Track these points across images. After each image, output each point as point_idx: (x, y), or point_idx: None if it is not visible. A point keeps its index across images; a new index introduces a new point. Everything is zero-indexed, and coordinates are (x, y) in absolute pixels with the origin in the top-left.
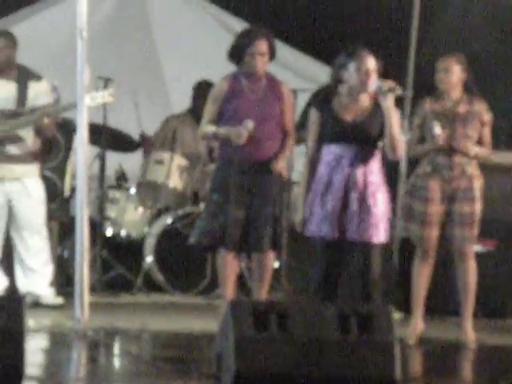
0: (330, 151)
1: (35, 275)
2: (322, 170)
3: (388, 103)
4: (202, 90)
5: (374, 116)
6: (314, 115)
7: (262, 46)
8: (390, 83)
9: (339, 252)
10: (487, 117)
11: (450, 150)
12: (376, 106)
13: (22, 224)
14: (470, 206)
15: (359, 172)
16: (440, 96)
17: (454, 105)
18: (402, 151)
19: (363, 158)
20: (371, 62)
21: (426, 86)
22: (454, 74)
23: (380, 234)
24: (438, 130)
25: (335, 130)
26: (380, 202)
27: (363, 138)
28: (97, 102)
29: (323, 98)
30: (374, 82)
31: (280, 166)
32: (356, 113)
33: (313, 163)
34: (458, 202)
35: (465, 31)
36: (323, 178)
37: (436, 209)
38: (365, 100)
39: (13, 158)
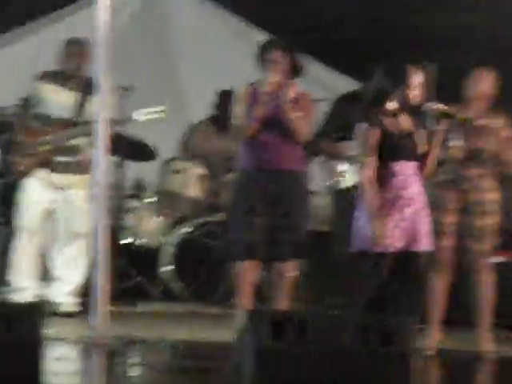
0: (388, 167)
1: (59, 284)
2: (381, 186)
3: (437, 127)
4: (224, 98)
5: (416, 126)
6: (367, 131)
7: (274, 54)
8: (443, 108)
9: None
10: (507, 131)
11: (467, 162)
12: (414, 116)
13: (59, 231)
14: (480, 219)
15: (410, 185)
16: (463, 105)
17: (476, 116)
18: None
19: (417, 171)
20: (419, 78)
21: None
22: (485, 85)
23: (428, 242)
24: (456, 142)
25: (393, 147)
26: (428, 211)
27: (413, 151)
28: (146, 118)
29: (375, 113)
30: (418, 97)
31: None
32: (405, 127)
33: (372, 180)
34: (469, 214)
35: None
36: (381, 195)
37: (452, 219)
38: (409, 115)
39: (63, 167)
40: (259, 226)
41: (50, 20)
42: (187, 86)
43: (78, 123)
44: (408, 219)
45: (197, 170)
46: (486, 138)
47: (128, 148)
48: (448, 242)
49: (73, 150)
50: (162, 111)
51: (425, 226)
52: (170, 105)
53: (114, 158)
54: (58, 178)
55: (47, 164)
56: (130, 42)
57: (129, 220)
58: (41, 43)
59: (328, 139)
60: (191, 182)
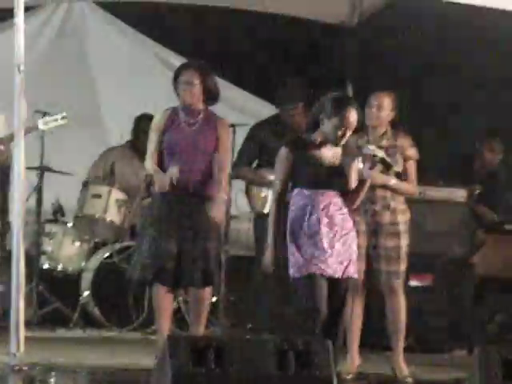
0: (305, 195)
1: None
2: (299, 213)
3: (374, 172)
4: (142, 123)
5: (345, 161)
6: (285, 155)
7: (188, 75)
8: (382, 154)
9: (324, 289)
10: (411, 152)
11: (372, 184)
12: (346, 151)
13: None
14: (394, 240)
15: (337, 213)
16: (364, 130)
17: (378, 139)
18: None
19: (339, 201)
20: (354, 120)
21: None
22: (385, 110)
23: (356, 269)
24: (370, 147)
25: (310, 176)
26: (355, 238)
27: (337, 183)
28: (50, 126)
29: (296, 139)
30: (347, 137)
31: (215, 212)
32: (330, 158)
33: (281, 204)
34: (383, 236)
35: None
36: (301, 221)
37: (362, 242)
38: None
39: None
40: (167, 251)
41: None
42: (106, 110)
43: None
44: (338, 246)
45: (116, 195)
46: (392, 158)
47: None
48: (361, 266)
49: None
50: (63, 117)
51: (353, 252)
52: (90, 129)
53: (33, 182)
54: None
55: None
56: (49, 66)
57: (48, 245)
58: None
59: (248, 165)
60: (111, 207)
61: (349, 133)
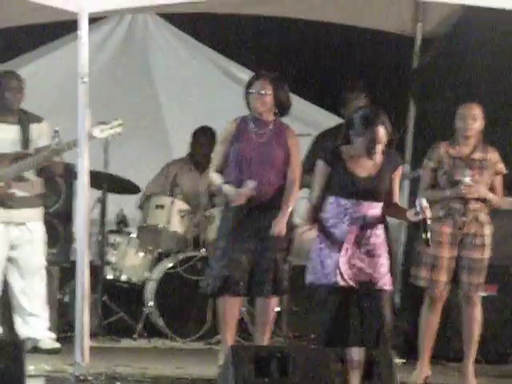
0: (340, 204)
1: (35, 320)
2: (329, 221)
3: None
4: (201, 135)
5: (384, 171)
6: (321, 167)
7: (261, 85)
8: (429, 214)
9: (349, 300)
10: (500, 166)
11: (464, 196)
12: (387, 160)
13: (23, 268)
14: (479, 252)
15: (369, 226)
16: (456, 141)
17: (471, 152)
18: None
19: (375, 212)
20: (382, 137)
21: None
22: (478, 120)
23: (388, 282)
24: (468, 180)
25: (346, 186)
26: (387, 253)
27: (374, 194)
28: (106, 134)
29: (332, 150)
30: (380, 151)
31: (279, 229)
32: (368, 168)
33: (316, 212)
34: (468, 248)
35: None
36: (330, 228)
37: (447, 253)
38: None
39: (20, 201)
40: (237, 262)
41: (33, 55)
42: (170, 121)
43: (26, 155)
44: (365, 259)
45: (179, 205)
46: (485, 171)
47: (110, 183)
48: (442, 277)
49: (26, 183)
50: (120, 125)
51: (383, 264)
52: (154, 141)
53: (97, 194)
54: (18, 212)
55: (5, 200)
56: (113, 77)
57: (112, 256)
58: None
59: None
60: (174, 217)
61: (380, 147)
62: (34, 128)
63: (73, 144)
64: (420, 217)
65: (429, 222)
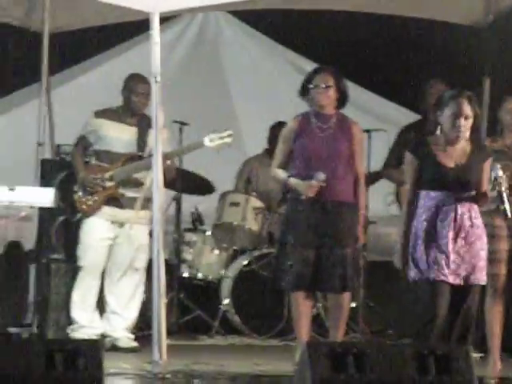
0: (431, 197)
1: (115, 318)
2: (423, 216)
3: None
4: (277, 130)
5: (475, 161)
6: (410, 160)
7: (324, 78)
8: (505, 184)
9: (445, 295)
10: None
11: None
12: (476, 150)
13: (113, 267)
14: None
15: (465, 217)
16: (499, 134)
17: None
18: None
19: (466, 202)
20: (466, 109)
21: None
22: None
23: (484, 275)
24: (499, 172)
25: (436, 177)
26: (485, 244)
27: (465, 184)
28: (216, 144)
29: (419, 142)
30: (466, 129)
31: (360, 236)
32: (456, 158)
33: (412, 207)
34: None
35: None
36: (424, 224)
37: (503, 246)
38: (462, 143)
39: (127, 202)
40: (304, 257)
41: (106, 56)
42: (243, 119)
43: (140, 158)
44: (464, 252)
45: (254, 203)
46: None
47: (186, 182)
48: (501, 269)
49: (137, 185)
50: (229, 135)
51: (481, 259)
52: None
53: (172, 192)
54: (124, 213)
55: (114, 200)
56: (185, 76)
57: (187, 254)
58: (99, 79)
59: (397, 166)
60: (249, 215)
61: (466, 122)
62: (152, 133)
63: (187, 149)
64: (496, 188)
65: (504, 193)
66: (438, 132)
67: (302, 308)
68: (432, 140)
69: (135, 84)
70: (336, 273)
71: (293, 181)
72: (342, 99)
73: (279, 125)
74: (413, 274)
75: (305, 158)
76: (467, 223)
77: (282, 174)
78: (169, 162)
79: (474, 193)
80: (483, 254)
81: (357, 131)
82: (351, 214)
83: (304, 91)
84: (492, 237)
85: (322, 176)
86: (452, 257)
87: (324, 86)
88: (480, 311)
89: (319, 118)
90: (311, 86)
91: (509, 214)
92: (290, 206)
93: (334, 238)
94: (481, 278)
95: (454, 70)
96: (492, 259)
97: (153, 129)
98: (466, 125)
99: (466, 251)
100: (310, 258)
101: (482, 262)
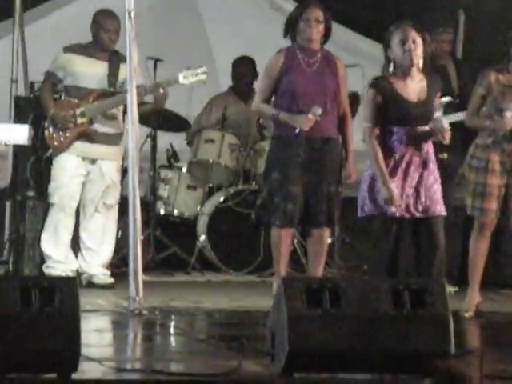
0: (393, 133)
1: (90, 254)
2: (387, 151)
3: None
4: (240, 65)
5: (432, 95)
6: (372, 96)
7: (316, 12)
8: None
9: (405, 229)
10: None
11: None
12: (430, 82)
13: (86, 204)
14: None
15: (422, 151)
16: (504, 69)
17: None
18: None
19: (425, 136)
20: (412, 34)
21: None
22: None
23: (443, 207)
24: (509, 114)
25: (401, 113)
26: (438, 177)
27: (426, 119)
28: (190, 81)
29: (381, 78)
30: (417, 54)
31: (355, 175)
32: (417, 93)
33: (378, 144)
34: None
35: None
36: (388, 159)
37: (496, 181)
38: (418, 76)
39: (99, 138)
40: (292, 193)
41: None
42: (218, 57)
43: (112, 94)
44: (420, 185)
45: (229, 139)
46: None
47: (161, 119)
48: (492, 204)
49: (110, 121)
50: (203, 72)
51: (436, 191)
52: None
53: (147, 129)
54: (96, 148)
55: (85, 136)
56: (160, 12)
57: (163, 191)
58: (73, 15)
59: None
60: (224, 151)
61: (415, 46)
62: (124, 67)
63: (161, 85)
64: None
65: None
66: (391, 68)
67: (285, 244)
68: (391, 78)
69: (104, 20)
70: (322, 209)
71: (285, 115)
72: (327, 35)
73: (242, 60)
74: (369, 208)
75: (294, 94)
76: (418, 159)
77: (269, 109)
78: (161, 90)
79: (427, 128)
80: (437, 187)
81: (341, 67)
82: (336, 149)
83: (291, 24)
84: (485, 171)
85: (318, 110)
86: (408, 191)
87: (317, 20)
88: (463, 244)
89: (306, 52)
90: (303, 18)
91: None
92: (275, 143)
93: (321, 175)
94: (440, 209)
95: (428, 6)
96: (482, 193)
97: (125, 64)
98: (416, 49)
99: (422, 185)
100: (298, 194)
101: (438, 195)
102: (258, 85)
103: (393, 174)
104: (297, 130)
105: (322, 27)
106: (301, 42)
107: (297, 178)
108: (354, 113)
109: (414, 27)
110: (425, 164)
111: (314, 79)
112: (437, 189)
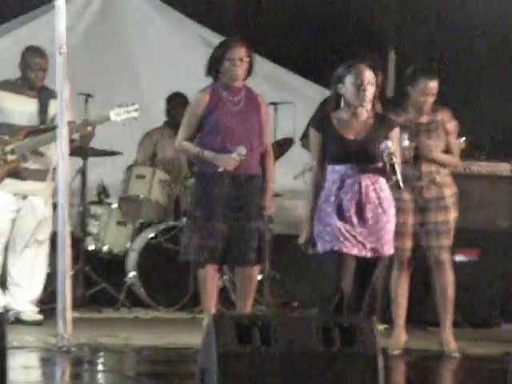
0: (335, 171)
1: (18, 290)
2: (329, 189)
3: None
4: (175, 101)
5: (378, 133)
6: (313, 136)
7: (240, 51)
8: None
9: (350, 267)
10: (451, 125)
11: (416, 160)
12: (378, 122)
13: (17, 239)
14: (443, 214)
15: (370, 189)
16: (403, 109)
17: (417, 116)
18: None
19: (370, 175)
20: (368, 75)
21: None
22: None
23: (391, 247)
24: (405, 142)
25: (339, 150)
26: (392, 217)
27: (368, 156)
28: (122, 118)
29: (322, 117)
30: (370, 95)
31: (273, 209)
32: (358, 130)
33: (318, 183)
34: (431, 211)
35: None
36: (331, 197)
37: (409, 220)
38: (365, 115)
39: (29, 175)
40: (218, 230)
41: (10, 26)
42: (148, 92)
43: (42, 131)
44: (370, 224)
45: (160, 176)
46: (433, 133)
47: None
48: (407, 242)
49: (39, 157)
50: (135, 110)
51: (387, 231)
52: None
53: (77, 164)
54: (27, 184)
55: (16, 173)
56: (90, 49)
57: (93, 227)
58: (2, 49)
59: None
60: (155, 188)
61: (369, 89)
62: (53, 104)
63: (93, 122)
64: (388, 160)
65: (397, 164)
66: (342, 105)
67: (212, 282)
68: (335, 115)
69: (31, 58)
70: (251, 246)
71: (210, 154)
72: (250, 71)
73: (176, 96)
74: (319, 246)
75: (219, 133)
76: (373, 195)
77: (192, 147)
78: (89, 128)
79: (380, 165)
80: (389, 226)
81: (263, 102)
82: (260, 186)
83: (215, 64)
84: (398, 210)
85: (243, 150)
86: (358, 229)
87: (241, 59)
88: (386, 283)
89: (230, 91)
90: (228, 57)
91: (401, 185)
92: (199, 180)
93: (247, 212)
94: (388, 250)
95: (358, 42)
96: (398, 232)
97: (55, 100)
98: (370, 89)
99: (373, 224)
100: (223, 231)
101: (389, 235)
102: (182, 122)
103: (344, 209)
104: (220, 169)
105: (246, 65)
106: (225, 81)
107: (221, 215)
108: (282, 153)
109: (370, 67)
110: (379, 201)
111: (239, 117)
112: (389, 228)
